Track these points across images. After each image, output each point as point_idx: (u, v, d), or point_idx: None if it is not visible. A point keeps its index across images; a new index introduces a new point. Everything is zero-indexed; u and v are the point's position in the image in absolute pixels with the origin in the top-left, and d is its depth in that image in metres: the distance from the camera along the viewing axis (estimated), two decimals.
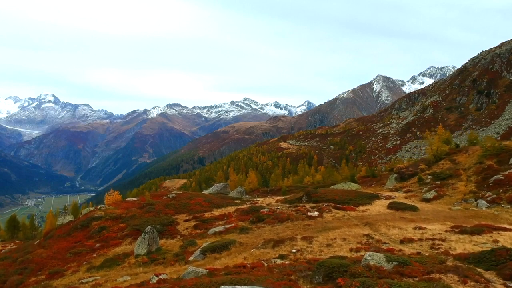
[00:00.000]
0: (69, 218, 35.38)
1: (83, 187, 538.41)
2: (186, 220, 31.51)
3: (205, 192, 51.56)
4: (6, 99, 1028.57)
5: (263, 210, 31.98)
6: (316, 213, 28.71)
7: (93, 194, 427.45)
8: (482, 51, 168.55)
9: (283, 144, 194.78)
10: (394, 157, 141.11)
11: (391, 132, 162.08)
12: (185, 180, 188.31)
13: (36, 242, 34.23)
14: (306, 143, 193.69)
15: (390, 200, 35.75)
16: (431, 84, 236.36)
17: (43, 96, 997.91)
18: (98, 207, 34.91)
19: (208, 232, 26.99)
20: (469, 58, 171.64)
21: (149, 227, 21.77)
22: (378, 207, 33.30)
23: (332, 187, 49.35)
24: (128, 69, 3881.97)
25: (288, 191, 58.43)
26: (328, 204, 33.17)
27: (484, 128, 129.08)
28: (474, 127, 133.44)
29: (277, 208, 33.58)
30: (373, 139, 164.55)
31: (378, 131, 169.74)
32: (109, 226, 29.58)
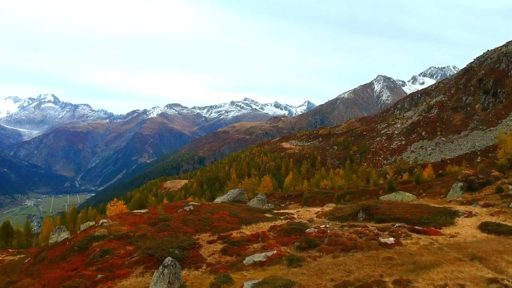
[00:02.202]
0: (64, 235, 28.60)
1: (83, 187, 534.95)
2: (210, 242, 25.48)
3: (218, 199, 44.01)
4: (6, 99, 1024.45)
5: (309, 230, 25.29)
6: (391, 239, 22.01)
7: (93, 194, 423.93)
8: (488, 50, 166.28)
9: (285, 144, 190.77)
10: (399, 157, 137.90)
11: (396, 132, 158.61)
12: (186, 181, 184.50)
13: (26, 261, 28.49)
14: (309, 143, 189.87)
15: (477, 218, 28.26)
16: (434, 84, 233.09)
17: (43, 96, 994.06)
18: (100, 222, 28.61)
19: (244, 262, 21.07)
20: (475, 57, 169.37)
21: (169, 259, 16.34)
22: (467, 228, 25.78)
23: (382, 197, 41.54)
24: (128, 69, 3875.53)
25: (310, 197, 53.19)
26: (400, 225, 25.77)
27: (492, 128, 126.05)
28: (481, 127, 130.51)
29: (325, 226, 26.78)
30: (378, 139, 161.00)
31: (382, 131, 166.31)
32: (113, 249, 23.86)
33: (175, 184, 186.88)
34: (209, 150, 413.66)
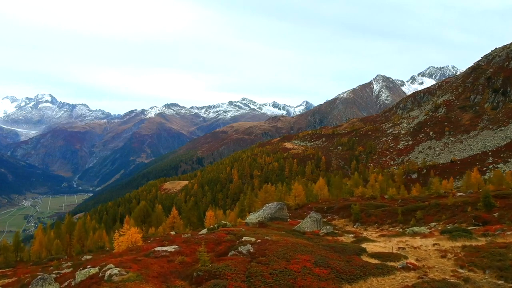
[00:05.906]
0: None
1: (80, 188, 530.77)
2: None
3: (252, 217, 34.47)
4: (3, 98, 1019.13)
5: None
6: None
7: (90, 195, 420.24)
8: (496, 48, 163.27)
9: (288, 145, 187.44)
10: (407, 158, 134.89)
11: (402, 132, 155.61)
12: (186, 182, 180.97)
13: None
14: (311, 143, 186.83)
15: None
16: (437, 83, 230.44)
17: (40, 96, 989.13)
18: (107, 272, 17.39)
19: None
20: (482, 55, 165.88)
21: None
22: None
23: None
24: (127, 69, 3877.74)
25: (361, 211, 45.31)
26: None
27: (502, 128, 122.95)
28: (491, 127, 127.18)
29: None
30: (383, 139, 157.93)
31: (388, 131, 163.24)
32: None
33: (175, 185, 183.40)
34: (208, 150, 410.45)
